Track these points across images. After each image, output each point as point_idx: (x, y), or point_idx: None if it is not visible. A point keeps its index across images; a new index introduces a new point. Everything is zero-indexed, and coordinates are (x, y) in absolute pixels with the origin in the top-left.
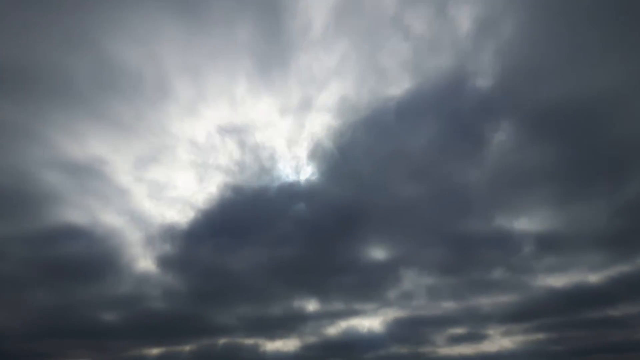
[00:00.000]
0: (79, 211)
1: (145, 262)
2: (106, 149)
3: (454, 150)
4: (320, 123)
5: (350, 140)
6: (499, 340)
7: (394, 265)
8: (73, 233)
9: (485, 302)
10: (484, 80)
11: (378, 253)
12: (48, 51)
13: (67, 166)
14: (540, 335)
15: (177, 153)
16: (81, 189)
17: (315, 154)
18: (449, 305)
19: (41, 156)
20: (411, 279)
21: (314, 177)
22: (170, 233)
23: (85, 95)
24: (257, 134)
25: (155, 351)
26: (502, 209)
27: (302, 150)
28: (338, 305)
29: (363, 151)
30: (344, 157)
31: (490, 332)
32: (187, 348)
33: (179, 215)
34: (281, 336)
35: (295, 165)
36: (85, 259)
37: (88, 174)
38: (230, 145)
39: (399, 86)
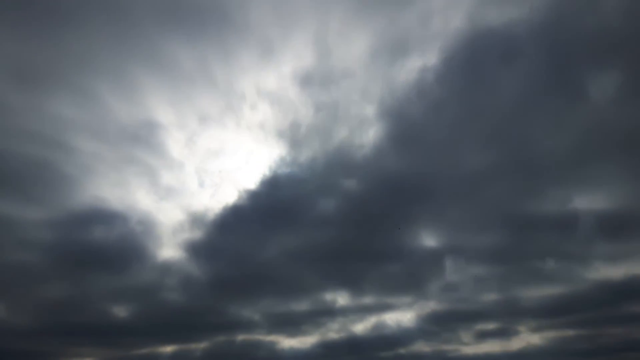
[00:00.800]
0: (113, 191)
1: (173, 250)
2: (159, 109)
3: (541, 106)
4: (409, 69)
5: (435, 92)
6: (528, 337)
7: (440, 254)
8: (100, 217)
9: (530, 294)
10: (598, 14)
11: (426, 239)
12: None
13: (109, 132)
14: (571, 332)
15: (242, 113)
16: (122, 161)
17: (387, 110)
18: (489, 298)
19: (76, 118)
20: (457, 269)
21: (377, 142)
22: (205, 217)
23: (137, 35)
24: (334, 88)
25: (169, 349)
26: (580, 186)
27: (377, 107)
28: (370, 299)
29: (446, 106)
30: (419, 114)
31: (521, 327)
32: (202, 345)
33: (217, 197)
34: (304, 333)
35: (361, 126)
36: (110, 247)
37: (134, 142)
38: (302, 101)
39: (510, 13)
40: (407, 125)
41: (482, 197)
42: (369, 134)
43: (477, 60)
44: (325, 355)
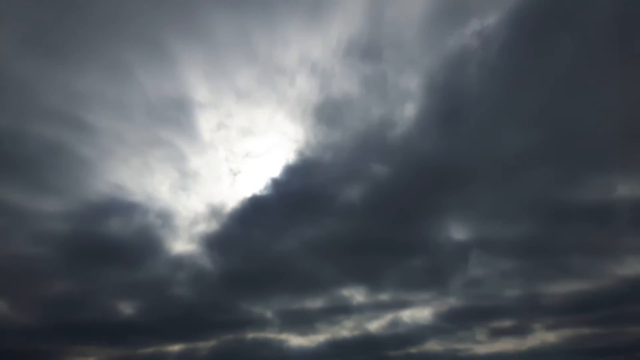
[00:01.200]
0: (133, 177)
1: (189, 244)
2: (192, 84)
3: (598, 81)
4: (464, 37)
5: (487, 63)
6: (543, 335)
7: (467, 247)
8: (116, 208)
9: (556, 290)
10: None
11: (454, 231)
12: None
13: (135, 110)
14: (588, 330)
15: (281, 89)
16: (146, 144)
17: (433, 85)
18: (512, 294)
19: (98, 93)
20: (482, 264)
21: (416, 122)
22: (226, 208)
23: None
24: (381, 59)
25: (176, 347)
26: (626, 173)
27: (423, 81)
28: (388, 296)
29: (496, 78)
30: (465, 90)
31: (539, 325)
32: (211, 344)
33: (243, 186)
34: (317, 331)
35: (403, 102)
36: (124, 241)
37: (162, 122)
38: (345, 74)
39: None
40: (450, 103)
41: (519, 184)
42: (409, 112)
43: (538, 26)
44: (338, 354)
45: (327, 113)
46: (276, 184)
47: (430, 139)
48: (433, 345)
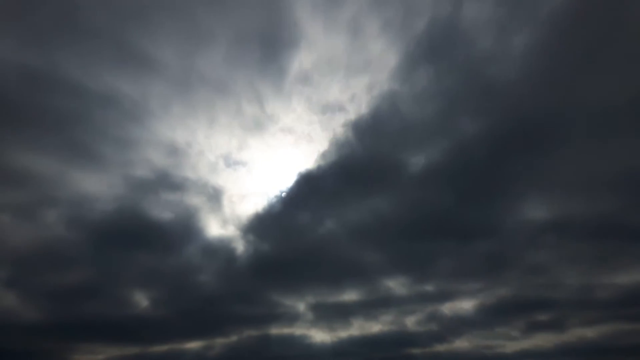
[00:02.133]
0: (190, 142)
1: (226, 227)
2: (295, 13)
3: None
4: None
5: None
6: (579, 331)
7: (537, 228)
8: (162, 186)
9: (613, 280)
10: None
11: (529, 209)
12: None
13: (214, 41)
14: (627, 326)
15: (388, 16)
16: (214, 93)
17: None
18: (569, 283)
19: (162, 13)
20: (548, 248)
21: (534, 58)
22: (276, 183)
23: None
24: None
25: (194, 344)
26: None
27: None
28: (431, 287)
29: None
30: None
31: (575, 320)
32: (233, 340)
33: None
34: (351, 326)
35: (528, 29)
36: (155, 223)
37: (242, 60)
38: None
39: None
40: (588, 34)
41: (614, 147)
42: (530, 44)
43: None
44: (365, 351)
45: (432, 42)
46: (341, 147)
47: (543, 81)
48: (468, 340)
